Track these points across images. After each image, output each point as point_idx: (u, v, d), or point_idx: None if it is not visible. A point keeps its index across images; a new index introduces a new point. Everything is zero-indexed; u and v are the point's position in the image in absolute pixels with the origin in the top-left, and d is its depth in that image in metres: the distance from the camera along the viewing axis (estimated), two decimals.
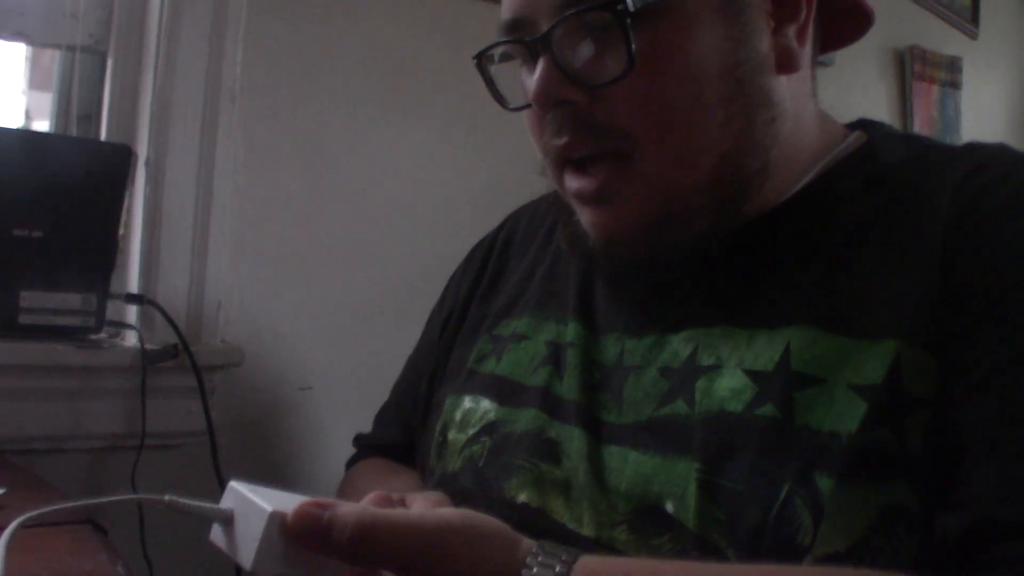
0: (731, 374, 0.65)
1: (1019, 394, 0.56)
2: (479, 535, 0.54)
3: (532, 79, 0.68)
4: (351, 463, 1.02)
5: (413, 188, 1.60)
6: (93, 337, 1.27)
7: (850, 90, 2.40)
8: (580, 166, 0.70)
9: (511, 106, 0.75)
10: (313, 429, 1.49)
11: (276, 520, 0.49)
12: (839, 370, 0.61)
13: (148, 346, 1.28)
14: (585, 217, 0.72)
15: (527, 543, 0.55)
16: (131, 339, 1.33)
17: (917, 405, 0.58)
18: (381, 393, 1.05)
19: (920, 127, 2.65)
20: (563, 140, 0.69)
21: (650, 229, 0.69)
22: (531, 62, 0.70)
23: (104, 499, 0.51)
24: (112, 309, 1.29)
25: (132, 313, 1.36)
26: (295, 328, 1.48)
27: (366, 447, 1.02)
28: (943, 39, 2.78)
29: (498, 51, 0.75)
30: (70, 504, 0.51)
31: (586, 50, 0.67)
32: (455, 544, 0.52)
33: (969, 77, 2.86)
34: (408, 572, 0.51)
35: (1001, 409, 0.56)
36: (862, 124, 0.78)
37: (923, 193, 0.66)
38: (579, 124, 0.68)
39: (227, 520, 0.51)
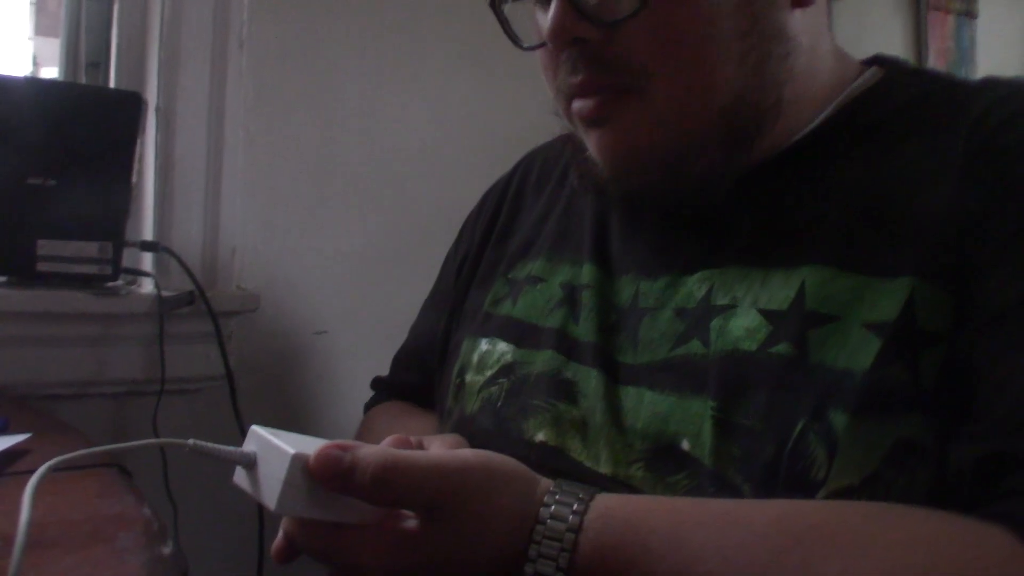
0: (746, 313, 0.65)
1: None
2: (498, 475, 0.55)
3: (546, 17, 0.68)
4: (369, 406, 1.03)
5: (425, 131, 1.60)
6: (110, 285, 1.28)
7: (864, 21, 2.37)
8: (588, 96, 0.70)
9: (525, 46, 0.74)
10: (329, 372, 1.51)
11: (299, 462, 0.50)
12: (854, 308, 0.61)
13: (165, 293, 1.30)
14: (592, 142, 0.72)
15: (545, 482, 0.57)
16: (148, 286, 1.34)
17: (931, 341, 0.58)
18: (396, 336, 1.06)
19: (935, 58, 2.62)
20: (578, 78, 0.69)
21: (660, 158, 0.69)
22: (544, 1, 0.69)
23: (131, 444, 0.53)
24: (128, 256, 1.30)
25: (148, 260, 1.37)
26: (309, 273, 1.49)
27: (384, 390, 1.03)
28: None
29: None
30: (98, 449, 0.52)
31: None
32: (475, 484, 0.53)
33: (985, 6, 2.81)
34: (429, 512, 0.52)
35: (1015, 343, 0.56)
36: (878, 60, 0.77)
37: (940, 129, 0.66)
38: (594, 61, 0.68)
39: (250, 463, 0.52)
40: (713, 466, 0.61)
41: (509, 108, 1.64)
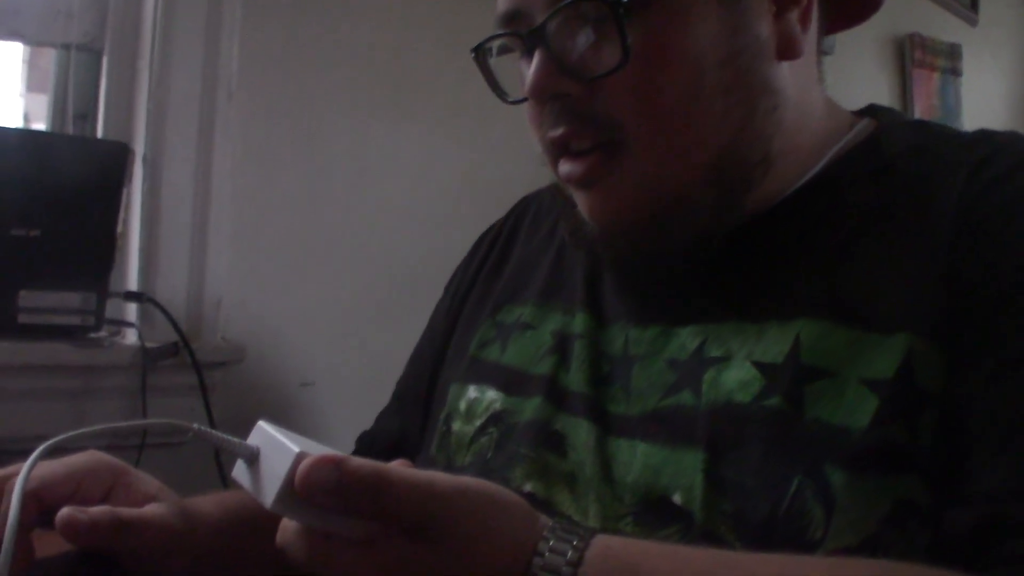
0: (739, 366, 0.64)
1: None
2: (495, 502, 0.53)
3: (529, 72, 0.67)
4: None
5: (412, 182, 1.60)
6: (93, 336, 1.27)
7: (850, 79, 2.39)
8: (574, 153, 0.69)
9: (511, 99, 0.74)
10: (315, 425, 1.49)
11: (302, 455, 0.48)
12: (849, 364, 0.60)
13: (148, 344, 1.28)
14: (580, 202, 0.71)
15: (544, 518, 0.55)
16: (131, 337, 1.33)
17: (929, 400, 0.57)
18: (383, 388, 1.04)
19: (921, 115, 2.64)
20: (559, 131, 0.68)
21: (647, 221, 0.68)
22: (528, 55, 0.69)
23: (136, 423, 0.51)
24: (112, 307, 1.29)
25: (132, 311, 1.35)
26: (295, 324, 1.47)
27: (366, 445, 1.01)
28: (943, 26, 2.77)
29: (496, 44, 0.74)
30: (98, 428, 0.51)
31: (581, 42, 0.66)
32: (468, 506, 0.51)
33: (969, 64, 2.85)
34: (418, 530, 0.50)
35: (1010, 405, 0.56)
36: (871, 111, 0.77)
37: (933, 182, 0.65)
38: (575, 116, 0.67)
39: (252, 457, 0.50)
40: (704, 521, 0.60)
41: (496, 160, 1.64)
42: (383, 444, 0.95)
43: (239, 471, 0.51)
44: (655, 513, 0.63)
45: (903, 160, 0.69)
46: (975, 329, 0.58)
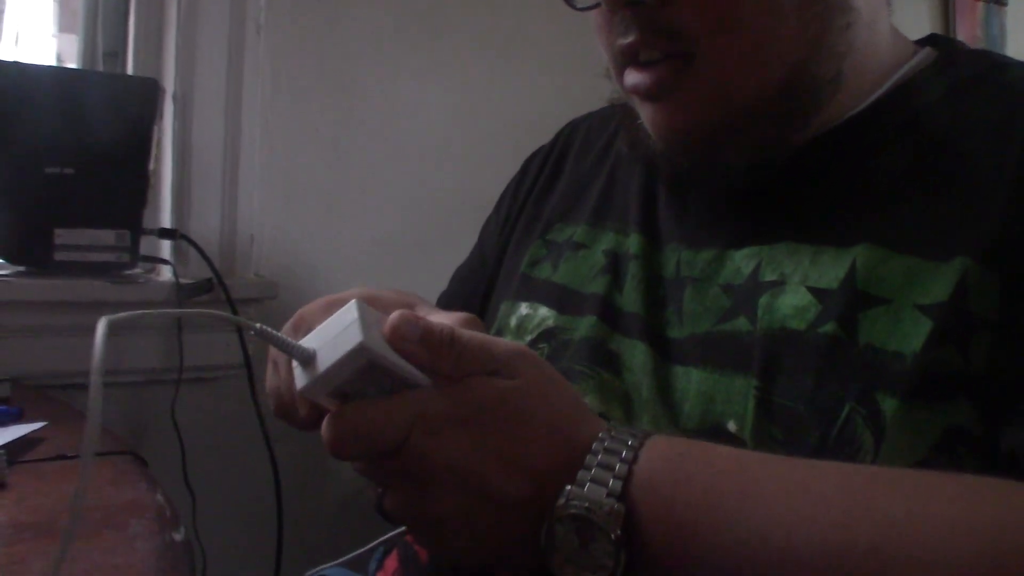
0: (794, 291, 0.64)
1: None
2: (562, 384, 0.55)
3: None
4: None
5: (444, 118, 1.58)
6: (128, 272, 1.28)
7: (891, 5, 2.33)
8: (642, 64, 0.68)
9: (580, 5, 0.73)
10: None
11: (364, 304, 0.50)
12: (905, 290, 0.60)
13: (183, 280, 1.29)
14: (645, 114, 0.71)
15: (599, 418, 0.56)
16: (166, 274, 1.34)
17: (981, 325, 0.57)
18: None
19: None
20: (630, 39, 0.67)
21: (712, 134, 0.67)
22: None
23: (193, 311, 0.51)
24: (146, 245, 1.30)
25: (166, 248, 1.36)
26: (328, 260, 1.48)
27: None
28: None
29: None
30: (157, 311, 0.50)
31: None
32: (534, 360, 0.53)
33: None
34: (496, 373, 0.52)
35: None
36: (932, 40, 0.76)
37: (999, 110, 0.64)
38: (647, 25, 0.66)
39: (308, 359, 0.50)
40: (755, 448, 0.60)
41: (527, 96, 1.62)
42: None
43: (301, 378, 0.50)
44: (708, 440, 0.63)
45: (968, 87, 0.68)
46: None
